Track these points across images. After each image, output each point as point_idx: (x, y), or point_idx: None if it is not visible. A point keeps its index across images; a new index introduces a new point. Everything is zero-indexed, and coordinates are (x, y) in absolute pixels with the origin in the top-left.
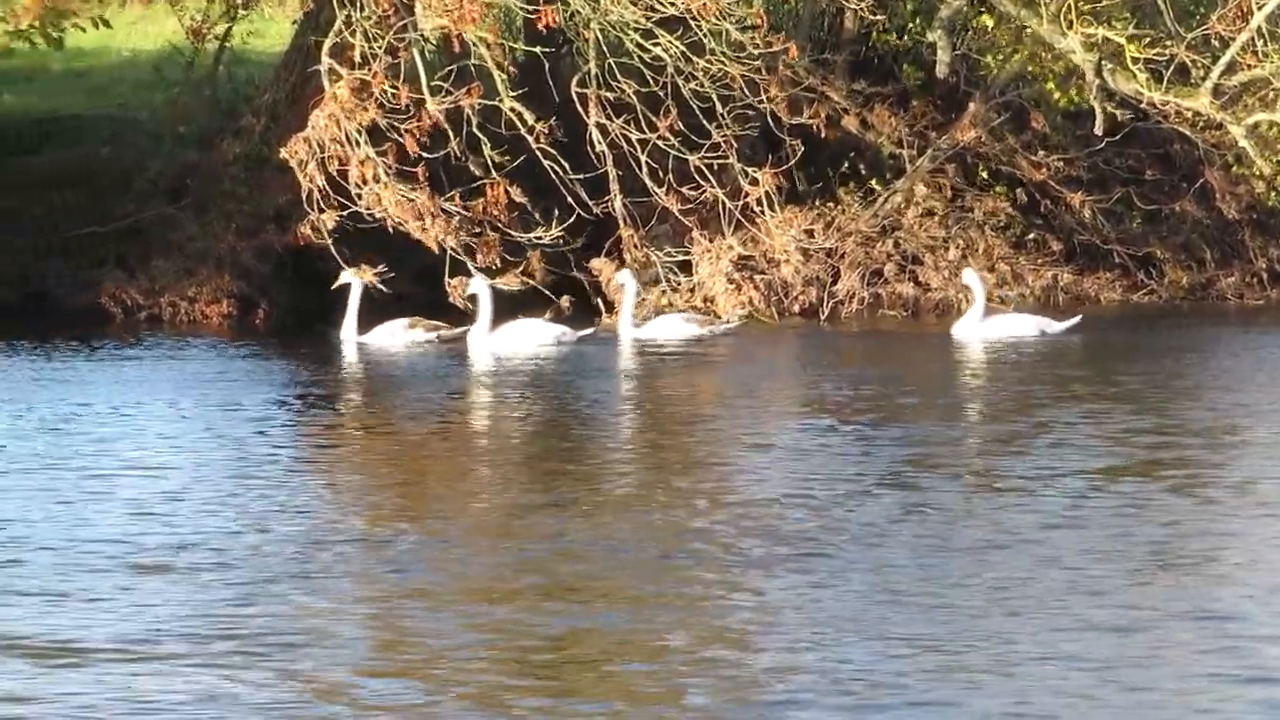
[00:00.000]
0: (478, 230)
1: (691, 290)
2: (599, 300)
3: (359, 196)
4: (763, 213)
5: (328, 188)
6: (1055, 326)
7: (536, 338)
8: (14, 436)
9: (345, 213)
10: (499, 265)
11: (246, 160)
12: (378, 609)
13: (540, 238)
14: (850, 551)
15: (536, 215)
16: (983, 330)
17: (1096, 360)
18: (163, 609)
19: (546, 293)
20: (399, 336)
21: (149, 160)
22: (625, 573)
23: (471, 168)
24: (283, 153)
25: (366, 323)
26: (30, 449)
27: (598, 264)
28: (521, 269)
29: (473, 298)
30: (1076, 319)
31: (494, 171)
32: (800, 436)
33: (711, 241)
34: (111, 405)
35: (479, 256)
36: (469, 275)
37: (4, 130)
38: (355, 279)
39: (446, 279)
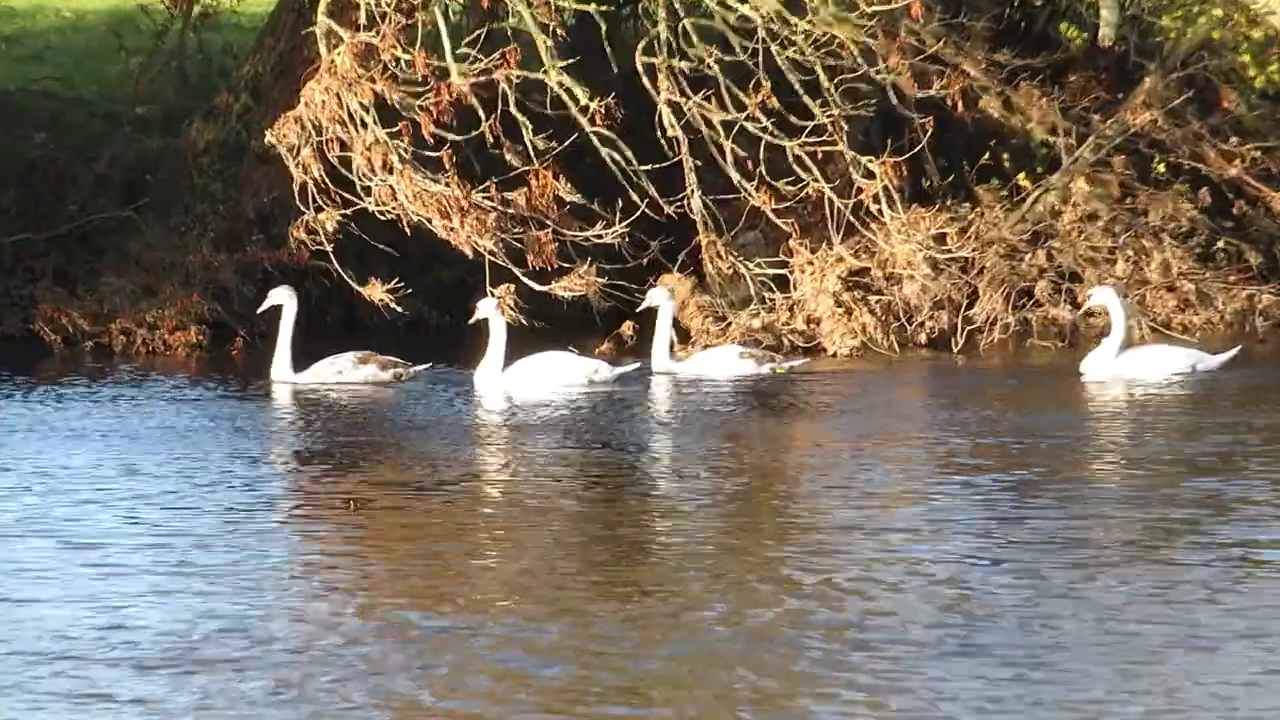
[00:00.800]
0: (519, 231)
1: (790, 311)
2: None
3: (366, 191)
4: (880, 215)
5: (326, 180)
6: (1210, 361)
7: (562, 375)
8: None
9: (349, 212)
10: (552, 269)
11: (222, 149)
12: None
13: (601, 236)
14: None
15: (597, 209)
16: (1120, 366)
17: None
18: None
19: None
20: (346, 374)
21: (98, 150)
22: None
23: (507, 156)
24: (268, 137)
25: (306, 359)
26: None
27: (669, 280)
28: (574, 278)
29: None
30: (1234, 351)
31: (535, 159)
32: (932, 506)
33: (815, 251)
34: (36, 465)
35: (530, 258)
36: (505, 288)
37: None
38: (289, 298)
39: (489, 290)
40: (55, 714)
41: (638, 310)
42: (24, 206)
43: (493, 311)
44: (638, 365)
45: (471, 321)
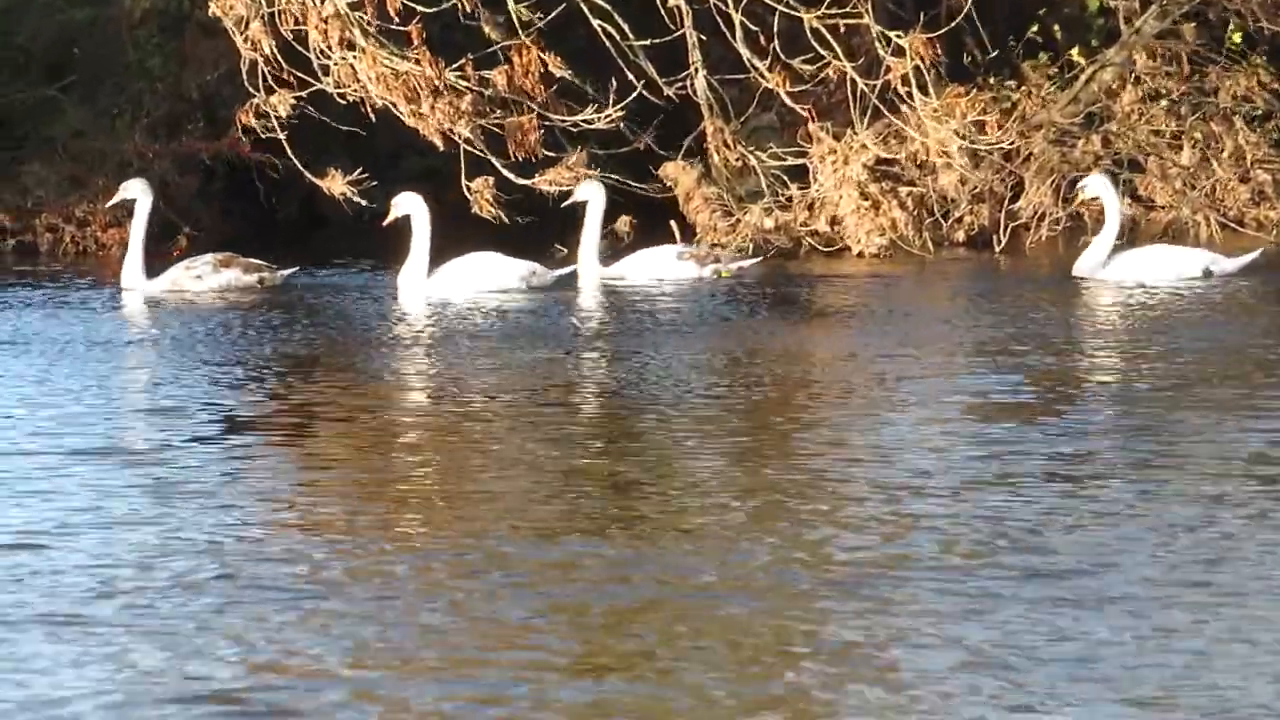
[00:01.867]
0: (499, 116)
1: (809, 209)
2: (674, 222)
3: (325, 71)
4: (911, 97)
5: (279, 58)
6: (1225, 264)
7: (494, 278)
8: None
9: (304, 94)
10: (536, 159)
11: (162, 18)
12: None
13: (592, 121)
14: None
15: (588, 90)
16: (1117, 268)
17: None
18: None
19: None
20: (206, 280)
21: (16, 22)
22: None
23: (486, 30)
24: (212, 7)
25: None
26: None
27: (672, 168)
28: (559, 169)
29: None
30: (1255, 254)
31: (521, 32)
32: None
33: (838, 138)
34: None
35: (511, 147)
36: (492, 178)
37: None
38: (143, 191)
39: (465, 184)
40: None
41: (565, 204)
42: None
43: (415, 206)
44: (573, 268)
45: (387, 222)
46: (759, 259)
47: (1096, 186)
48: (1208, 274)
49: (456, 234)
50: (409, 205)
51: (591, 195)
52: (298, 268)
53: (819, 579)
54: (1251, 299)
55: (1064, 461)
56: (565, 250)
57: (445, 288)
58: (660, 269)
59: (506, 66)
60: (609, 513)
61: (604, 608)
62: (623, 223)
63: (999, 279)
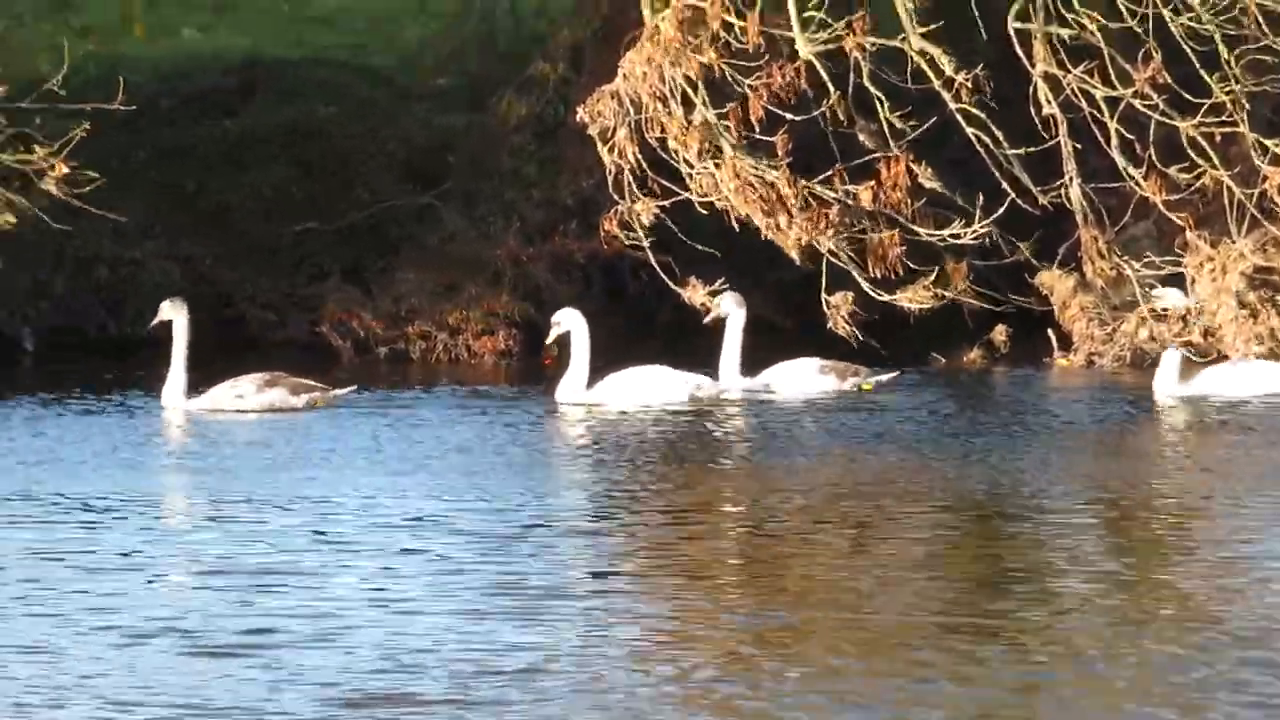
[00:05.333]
0: (864, 227)
1: (1183, 320)
2: (1052, 331)
3: (689, 179)
4: None
5: (642, 165)
6: None
7: (658, 392)
8: None
9: (668, 202)
10: (898, 276)
11: (537, 126)
12: None
13: (960, 236)
14: None
15: (958, 201)
16: (1196, 386)
17: None
18: None
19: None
20: (249, 399)
21: (392, 127)
22: None
23: (860, 137)
24: (580, 114)
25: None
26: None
27: (1048, 277)
28: (933, 280)
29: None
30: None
31: (892, 143)
32: None
33: (1215, 246)
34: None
35: (870, 263)
36: (851, 293)
37: (187, 81)
38: (178, 312)
39: (824, 297)
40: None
41: (707, 320)
42: (308, 193)
43: (575, 322)
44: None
45: (548, 342)
46: (897, 373)
47: (1172, 298)
48: None
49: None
50: (570, 321)
51: (731, 310)
52: (356, 387)
53: None
54: None
55: None
56: (890, 374)
57: (611, 398)
58: (803, 382)
59: (873, 181)
60: None
61: None
62: (999, 332)
63: None
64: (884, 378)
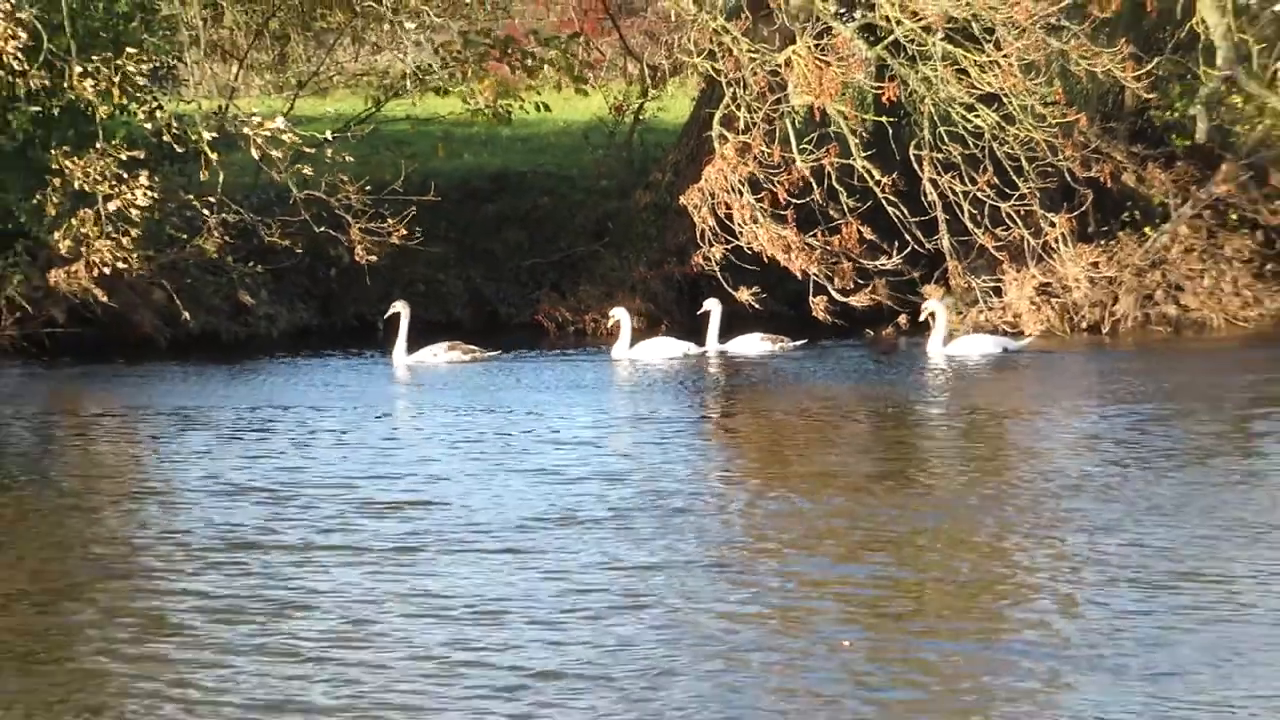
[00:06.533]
0: (835, 260)
1: (1003, 309)
2: (929, 320)
3: (740, 234)
4: (1059, 249)
5: (716, 227)
6: (1013, 345)
7: (668, 351)
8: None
9: (729, 246)
10: (852, 287)
11: (655, 207)
12: None
13: (883, 265)
14: None
15: (884, 247)
16: (952, 349)
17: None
18: None
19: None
20: (440, 357)
21: (578, 208)
22: None
23: (830, 212)
24: (682, 199)
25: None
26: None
27: (929, 289)
28: (870, 291)
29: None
30: (1030, 338)
31: (848, 214)
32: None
33: (1018, 271)
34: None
35: (836, 280)
36: (828, 297)
37: (466, 182)
38: (404, 308)
39: (811, 299)
40: None
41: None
42: (533, 243)
43: (624, 315)
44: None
45: (611, 324)
46: (805, 341)
47: (933, 306)
48: (1004, 351)
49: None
50: (621, 314)
51: (714, 308)
52: (500, 351)
53: None
54: None
55: None
56: (872, 334)
57: (641, 355)
58: (753, 347)
59: (837, 236)
60: None
61: None
62: (901, 319)
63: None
64: (797, 344)
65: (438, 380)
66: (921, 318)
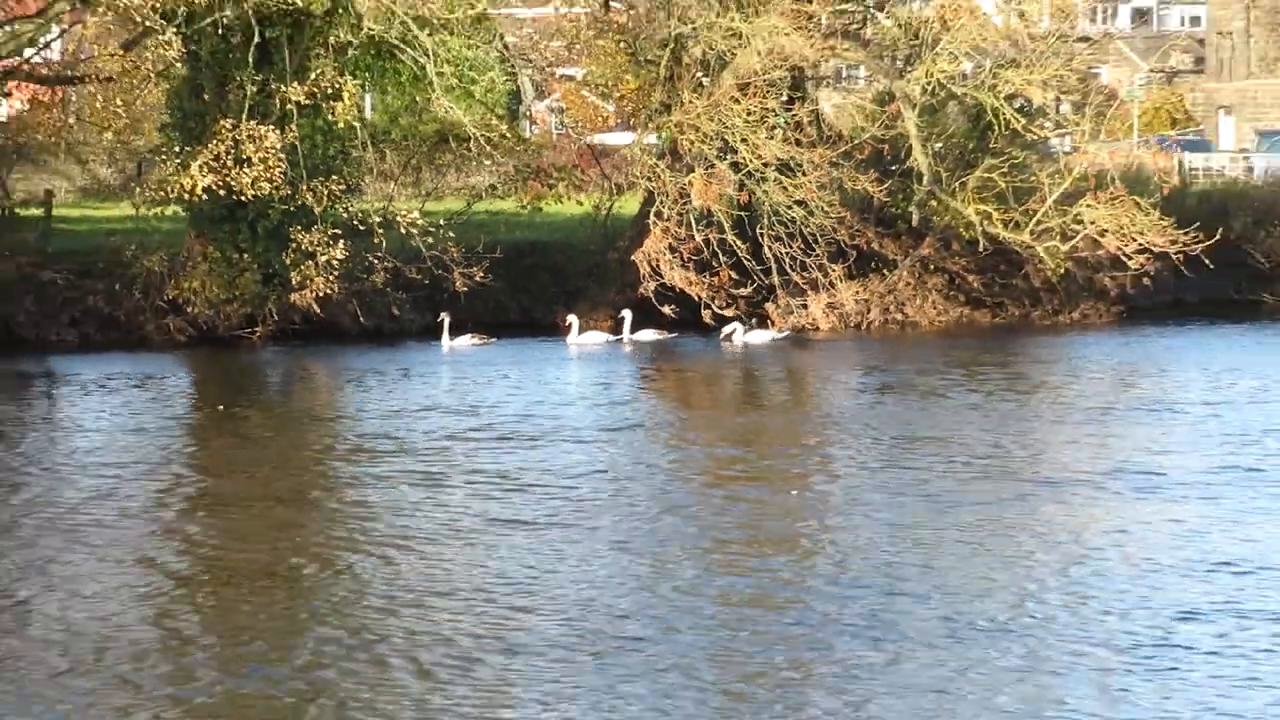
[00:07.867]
0: (715, 290)
1: (808, 316)
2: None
3: (664, 276)
4: (837, 284)
5: (651, 272)
6: (779, 335)
7: (599, 340)
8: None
9: (659, 283)
10: (723, 305)
11: (619, 261)
12: None
13: (742, 292)
14: None
15: (742, 282)
16: (749, 338)
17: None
18: None
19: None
20: (467, 342)
21: (577, 261)
22: None
23: (713, 263)
24: (634, 257)
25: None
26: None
27: (769, 306)
28: (733, 306)
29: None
30: (787, 332)
31: (722, 264)
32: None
33: (816, 295)
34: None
35: (715, 301)
36: (711, 310)
37: (516, 246)
38: (446, 317)
39: (702, 310)
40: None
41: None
42: (552, 280)
43: (574, 318)
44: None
45: (566, 323)
46: (676, 334)
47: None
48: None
49: None
50: (572, 318)
51: (627, 316)
52: (497, 338)
53: None
54: None
55: None
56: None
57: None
58: (651, 337)
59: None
60: None
61: None
62: (744, 320)
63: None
64: (673, 335)
65: (472, 356)
66: (724, 333)
